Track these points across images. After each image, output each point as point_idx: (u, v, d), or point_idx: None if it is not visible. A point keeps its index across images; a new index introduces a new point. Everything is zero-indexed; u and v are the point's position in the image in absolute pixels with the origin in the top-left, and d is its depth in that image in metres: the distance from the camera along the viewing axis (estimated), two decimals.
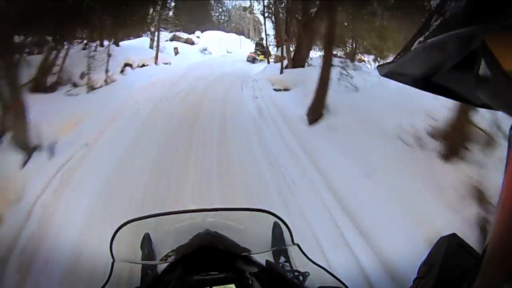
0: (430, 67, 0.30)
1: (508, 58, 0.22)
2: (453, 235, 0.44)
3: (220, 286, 0.65)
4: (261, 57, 10.42)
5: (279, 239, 0.99)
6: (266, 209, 0.82)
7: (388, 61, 0.33)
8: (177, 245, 0.83)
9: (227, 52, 13.20)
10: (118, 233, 0.77)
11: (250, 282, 0.68)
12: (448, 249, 0.41)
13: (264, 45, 10.34)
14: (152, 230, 1.09)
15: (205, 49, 12.65)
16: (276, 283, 0.72)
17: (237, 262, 0.71)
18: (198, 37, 13.22)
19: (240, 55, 11.98)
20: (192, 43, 12.72)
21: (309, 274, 0.85)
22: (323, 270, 0.79)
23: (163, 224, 0.94)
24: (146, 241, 1.13)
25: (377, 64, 6.40)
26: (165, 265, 0.78)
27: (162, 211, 0.81)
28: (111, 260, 0.77)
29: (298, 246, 0.81)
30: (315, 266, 0.81)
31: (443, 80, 0.31)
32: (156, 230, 1.06)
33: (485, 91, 0.25)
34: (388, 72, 0.33)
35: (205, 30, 13.60)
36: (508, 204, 0.26)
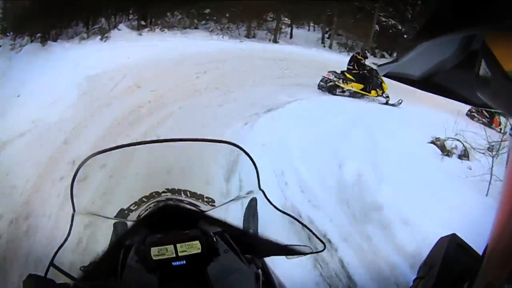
0: (431, 67, 0.30)
1: (508, 58, 0.22)
2: (453, 235, 0.43)
3: (185, 243, 0.65)
4: (356, 86, 4.92)
5: (252, 213, 0.98)
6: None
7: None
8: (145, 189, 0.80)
9: None
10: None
11: (215, 240, 0.68)
12: (448, 249, 0.41)
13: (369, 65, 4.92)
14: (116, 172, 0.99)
15: None
16: (241, 241, 0.71)
17: (201, 221, 0.71)
18: None
19: None
20: None
21: None
22: None
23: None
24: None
25: None
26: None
27: (125, 143, 0.78)
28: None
29: (263, 192, 0.80)
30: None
31: (443, 80, 0.31)
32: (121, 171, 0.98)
33: (485, 91, 0.25)
34: (389, 72, 0.33)
35: None
36: (508, 204, 0.26)
